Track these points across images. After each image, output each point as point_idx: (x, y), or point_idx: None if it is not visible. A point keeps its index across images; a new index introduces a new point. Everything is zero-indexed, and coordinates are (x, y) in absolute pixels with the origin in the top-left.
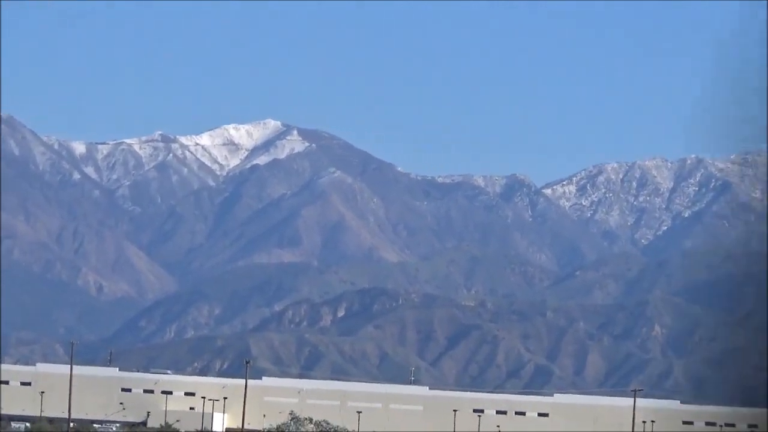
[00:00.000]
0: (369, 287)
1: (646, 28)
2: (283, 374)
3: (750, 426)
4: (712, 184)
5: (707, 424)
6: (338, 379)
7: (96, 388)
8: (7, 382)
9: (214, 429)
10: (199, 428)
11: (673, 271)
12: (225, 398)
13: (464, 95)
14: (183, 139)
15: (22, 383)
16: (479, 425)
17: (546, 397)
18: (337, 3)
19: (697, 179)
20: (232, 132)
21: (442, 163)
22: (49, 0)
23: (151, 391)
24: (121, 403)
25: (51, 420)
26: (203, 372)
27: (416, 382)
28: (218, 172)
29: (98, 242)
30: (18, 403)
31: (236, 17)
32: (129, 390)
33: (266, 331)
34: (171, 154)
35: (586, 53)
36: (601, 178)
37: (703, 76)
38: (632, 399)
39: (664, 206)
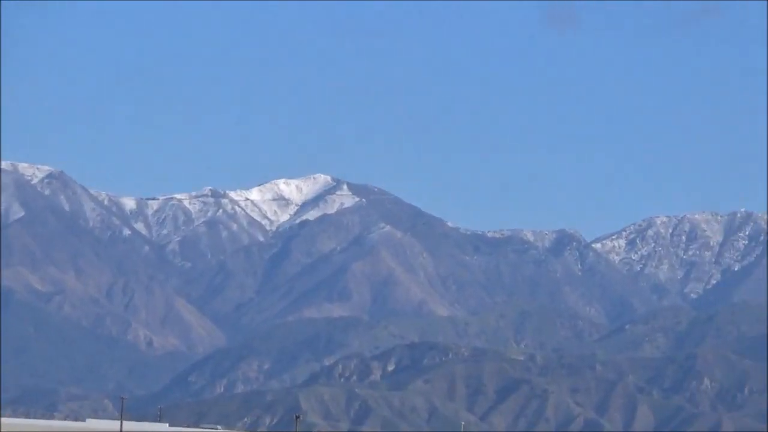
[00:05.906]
0: (419, 341)
1: (691, 79)
2: (333, 428)
3: None
4: (762, 237)
5: None
6: None
7: None
8: None
9: None
10: None
11: (722, 324)
12: None
13: (515, 151)
14: (233, 194)
15: None
16: None
17: None
18: (378, 56)
19: (747, 233)
20: (282, 187)
21: (491, 218)
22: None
23: None
24: None
25: None
26: (253, 427)
27: None
28: (268, 228)
29: (148, 297)
30: None
31: (289, 70)
32: None
33: (316, 385)
34: (221, 210)
35: (633, 107)
36: (650, 232)
37: (760, 132)
38: None
39: (713, 260)
